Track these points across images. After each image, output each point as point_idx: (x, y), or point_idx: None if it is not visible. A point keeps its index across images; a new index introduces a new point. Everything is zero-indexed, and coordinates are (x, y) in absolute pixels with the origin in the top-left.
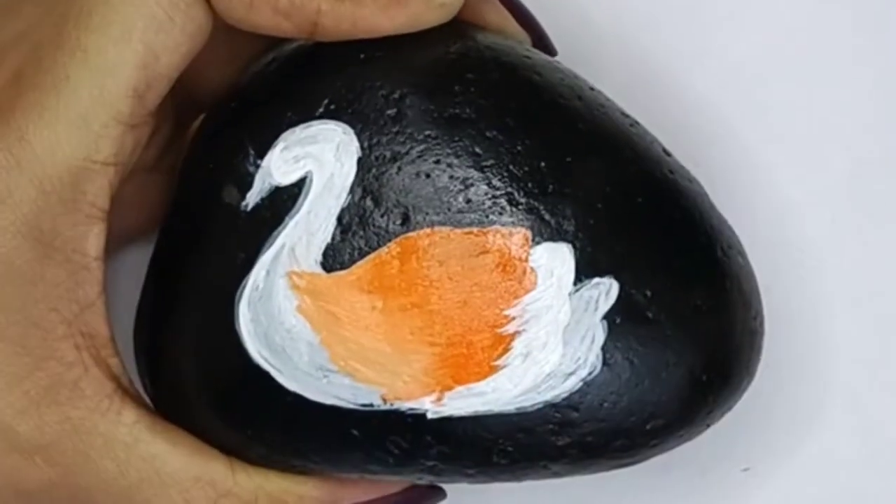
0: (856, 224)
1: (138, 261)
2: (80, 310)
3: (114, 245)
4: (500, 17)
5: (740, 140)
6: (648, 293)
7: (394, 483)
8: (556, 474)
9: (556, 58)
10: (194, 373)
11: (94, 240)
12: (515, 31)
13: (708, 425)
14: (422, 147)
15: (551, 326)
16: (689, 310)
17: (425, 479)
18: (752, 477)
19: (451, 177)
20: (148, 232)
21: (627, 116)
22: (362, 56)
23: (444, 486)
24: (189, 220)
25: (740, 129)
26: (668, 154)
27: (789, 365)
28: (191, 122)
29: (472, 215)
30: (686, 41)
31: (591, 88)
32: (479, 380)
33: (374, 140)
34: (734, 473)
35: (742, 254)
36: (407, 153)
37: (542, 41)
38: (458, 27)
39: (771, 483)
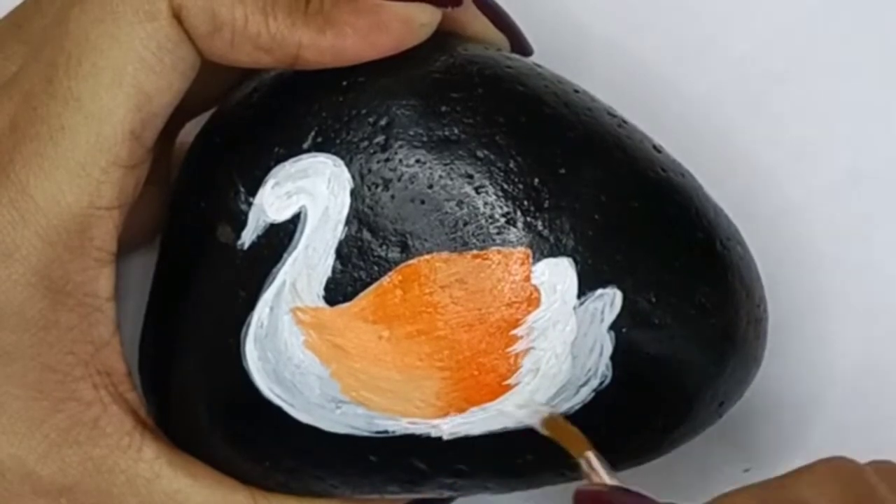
0: (856, 224)
1: (137, 269)
2: (95, 350)
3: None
4: (480, 24)
5: (740, 140)
6: (653, 298)
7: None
8: (575, 479)
9: (542, 56)
10: (206, 410)
11: (104, 282)
12: (494, 36)
13: (720, 416)
14: (413, 172)
15: (559, 342)
16: (694, 309)
17: (446, 494)
18: (753, 477)
19: (445, 200)
20: (143, 242)
21: (615, 116)
22: (344, 83)
23: None
24: (185, 259)
25: (739, 129)
26: (659, 150)
27: (789, 365)
28: (178, 131)
29: (471, 238)
30: (678, 35)
31: (576, 90)
32: (491, 400)
33: (365, 169)
34: (735, 474)
35: (741, 243)
36: (399, 180)
37: (518, 41)
38: (438, 41)
39: None
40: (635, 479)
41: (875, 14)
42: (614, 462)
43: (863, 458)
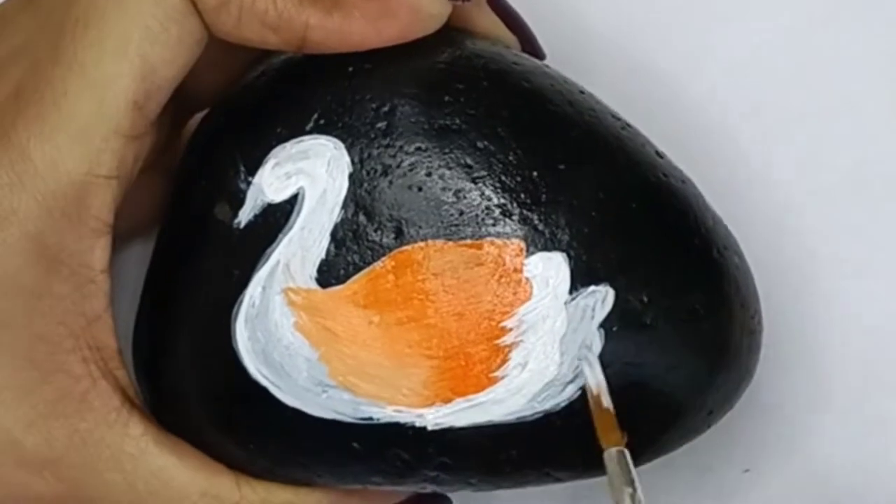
0: (856, 224)
1: (137, 261)
2: (87, 323)
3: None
4: (490, 22)
5: (739, 140)
6: (645, 299)
7: (398, 493)
8: (559, 480)
9: (548, 58)
10: (194, 389)
11: (99, 253)
12: (505, 36)
13: (708, 426)
14: (413, 160)
15: (548, 336)
16: (686, 313)
17: (429, 489)
18: (753, 477)
19: (443, 189)
20: (146, 232)
21: (619, 119)
22: (350, 69)
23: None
24: (183, 236)
25: (740, 130)
26: (661, 156)
27: (789, 365)
28: (186, 121)
29: (466, 227)
30: (684, 41)
31: (582, 92)
32: (477, 391)
33: (365, 154)
34: (735, 474)
35: (738, 254)
36: (398, 166)
37: (530, 44)
38: (446, 35)
39: (771, 484)
40: None
41: (875, 14)
42: (600, 466)
43: (862, 458)
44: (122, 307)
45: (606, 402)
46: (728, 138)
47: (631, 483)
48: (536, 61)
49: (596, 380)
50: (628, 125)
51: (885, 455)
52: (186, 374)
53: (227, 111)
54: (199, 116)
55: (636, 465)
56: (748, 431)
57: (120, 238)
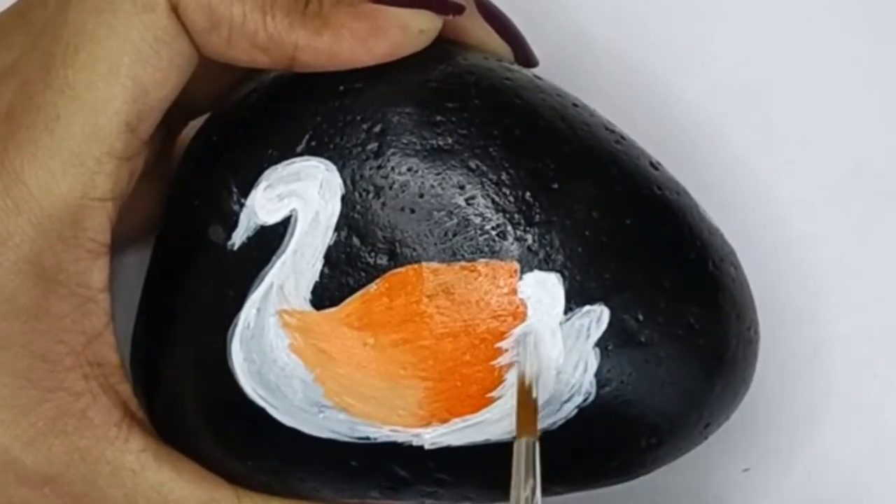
0: (855, 225)
1: (135, 267)
2: (87, 340)
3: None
4: (482, 33)
5: (739, 141)
6: (640, 317)
7: None
8: (556, 493)
9: (546, 67)
10: (192, 407)
11: (97, 273)
12: (497, 46)
13: (706, 437)
14: (405, 181)
15: (544, 357)
16: (682, 329)
17: (427, 502)
18: (753, 477)
19: (435, 210)
20: (143, 238)
21: (613, 131)
22: (341, 88)
23: None
24: (177, 256)
25: (739, 130)
26: (656, 167)
27: (789, 365)
28: (181, 128)
29: (459, 248)
30: (682, 44)
31: (575, 104)
32: (473, 412)
33: (357, 176)
34: (735, 474)
35: (734, 264)
36: (390, 188)
37: (523, 52)
38: (438, 49)
39: (771, 483)
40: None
41: (872, 17)
42: (597, 480)
43: (860, 457)
44: (120, 314)
45: (536, 393)
46: (724, 143)
47: (534, 476)
48: (529, 74)
49: (531, 370)
50: (623, 138)
51: (885, 455)
52: (184, 393)
53: (219, 130)
54: (194, 123)
55: (634, 477)
56: (748, 431)
57: (117, 245)
